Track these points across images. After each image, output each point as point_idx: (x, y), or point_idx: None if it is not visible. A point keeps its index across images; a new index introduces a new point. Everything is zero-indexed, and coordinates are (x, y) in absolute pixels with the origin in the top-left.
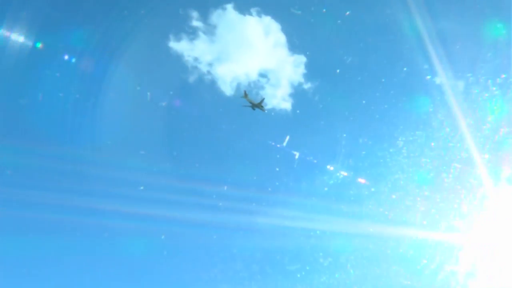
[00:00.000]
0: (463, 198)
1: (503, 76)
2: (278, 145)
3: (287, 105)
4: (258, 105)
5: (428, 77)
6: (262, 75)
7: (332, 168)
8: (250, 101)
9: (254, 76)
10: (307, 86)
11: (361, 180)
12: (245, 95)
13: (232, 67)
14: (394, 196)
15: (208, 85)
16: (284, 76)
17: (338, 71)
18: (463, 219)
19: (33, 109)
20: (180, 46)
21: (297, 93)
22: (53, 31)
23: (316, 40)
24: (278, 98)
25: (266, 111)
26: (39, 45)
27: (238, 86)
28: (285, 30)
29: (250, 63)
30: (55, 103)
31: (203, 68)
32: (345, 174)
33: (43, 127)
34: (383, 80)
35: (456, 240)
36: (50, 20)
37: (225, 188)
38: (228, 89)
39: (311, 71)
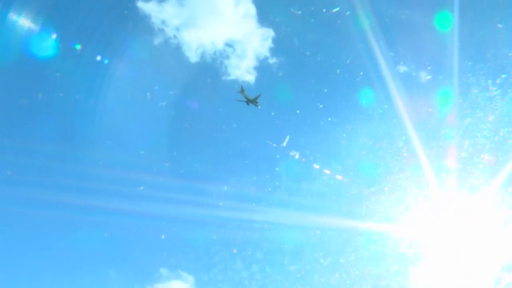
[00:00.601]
0: (410, 192)
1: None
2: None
3: (250, 77)
4: (253, 101)
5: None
6: (228, 44)
7: (291, 153)
8: (246, 97)
9: (220, 45)
10: (272, 60)
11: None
12: (242, 90)
13: (199, 33)
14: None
15: (173, 50)
16: (250, 48)
17: (305, 49)
18: (412, 211)
19: (32, 109)
20: (148, 7)
21: (262, 67)
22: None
23: (286, 15)
24: (242, 70)
25: (260, 107)
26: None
27: (203, 54)
28: (256, 1)
29: (217, 31)
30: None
31: (170, 32)
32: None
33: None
34: (353, 69)
35: (402, 232)
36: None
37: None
38: (193, 56)
39: (278, 46)
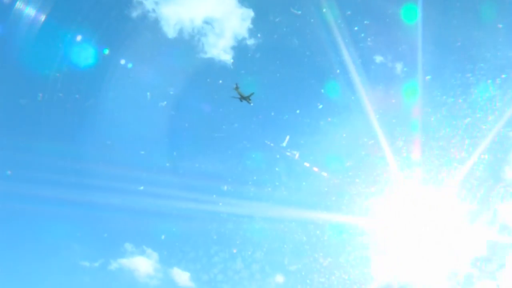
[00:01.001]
0: (375, 185)
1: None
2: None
3: (227, 57)
4: (246, 98)
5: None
6: (207, 22)
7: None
8: (240, 94)
9: (198, 22)
10: (250, 42)
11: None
12: (236, 87)
13: (178, 9)
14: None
15: (151, 24)
16: (228, 28)
17: (284, 33)
18: (375, 205)
19: (32, 109)
20: None
21: (239, 47)
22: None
23: None
24: (219, 49)
25: (252, 104)
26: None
27: (181, 31)
28: None
29: (196, 8)
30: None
31: (148, 5)
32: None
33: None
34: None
35: (366, 224)
36: None
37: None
38: (171, 31)
39: (257, 28)
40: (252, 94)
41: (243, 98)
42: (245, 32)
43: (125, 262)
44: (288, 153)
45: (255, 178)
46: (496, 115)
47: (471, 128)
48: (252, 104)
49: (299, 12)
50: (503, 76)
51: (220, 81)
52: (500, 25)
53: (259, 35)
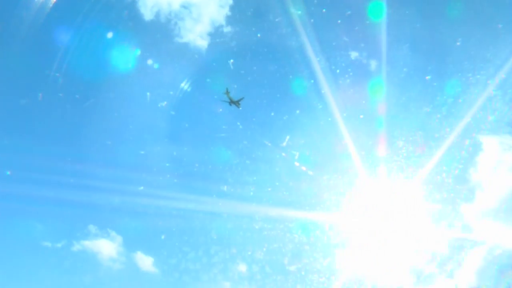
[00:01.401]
0: (340, 182)
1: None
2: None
3: (203, 42)
4: (235, 103)
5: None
6: (185, 6)
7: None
8: (230, 98)
9: (176, 6)
10: (226, 29)
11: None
12: (227, 92)
13: None
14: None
15: (128, 5)
16: (206, 13)
17: (260, 23)
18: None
19: (33, 109)
20: None
21: (216, 34)
22: None
23: None
24: (195, 34)
25: (240, 108)
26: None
27: (158, 13)
28: None
29: None
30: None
31: None
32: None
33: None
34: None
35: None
36: None
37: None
38: (148, 14)
39: (235, 15)
40: (241, 99)
41: (232, 102)
42: (222, 19)
43: (88, 244)
44: (284, 154)
45: (222, 174)
46: (463, 117)
47: (437, 128)
48: (240, 108)
49: (299, 12)
50: (469, 75)
51: (195, 67)
52: (467, 24)
53: (237, 23)
